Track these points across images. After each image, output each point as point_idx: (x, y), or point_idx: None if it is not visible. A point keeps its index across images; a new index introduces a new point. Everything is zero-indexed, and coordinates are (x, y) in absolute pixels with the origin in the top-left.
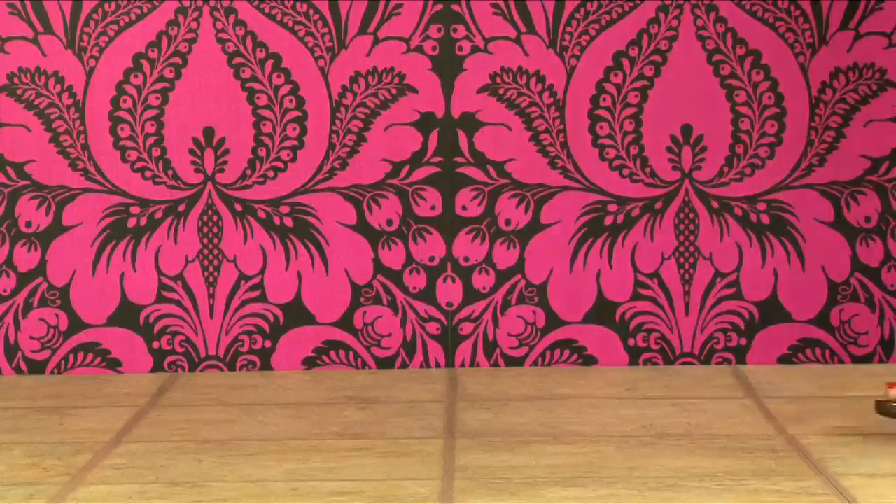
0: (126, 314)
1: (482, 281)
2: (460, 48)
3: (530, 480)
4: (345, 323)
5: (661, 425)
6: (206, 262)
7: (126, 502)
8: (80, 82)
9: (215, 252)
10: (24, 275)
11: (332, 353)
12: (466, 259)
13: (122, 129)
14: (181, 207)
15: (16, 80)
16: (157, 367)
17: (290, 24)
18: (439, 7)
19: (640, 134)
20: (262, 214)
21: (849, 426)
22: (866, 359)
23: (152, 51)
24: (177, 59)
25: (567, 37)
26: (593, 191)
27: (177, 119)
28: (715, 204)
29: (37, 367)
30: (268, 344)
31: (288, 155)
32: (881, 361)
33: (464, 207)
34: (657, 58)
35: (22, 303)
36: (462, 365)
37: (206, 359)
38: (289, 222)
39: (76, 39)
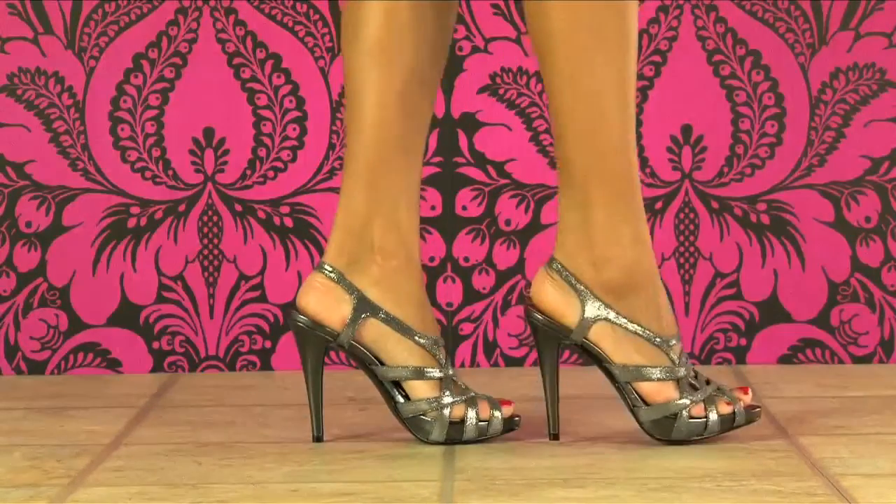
0: (126, 314)
1: (482, 281)
2: (460, 48)
3: (530, 481)
4: None
5: None
6: (206, 263)
7: (126, 503)
8: (80, 82)
9: (215, 252)
10: (24, 275)
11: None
12: (466, 259)
13: (122, 129)
14: (181, 208)
15: (16, 80)
16: (157, 368)
17: (290, 24)
18: None
19: (640, 134)
20: (262, 214)
21: (849, 426)
22: (866, 359)
23: (152, 51)
24: (177, 60)
25: None
26: None
27: (177, 119)
28: (715, 204)
29: (37, 368)
30: (268, 344)
31: (288, 155)
32: (881, 361)
33: (464, 207)
34: (657, 58)
35: (22, 303)
36: (462, 365)
37: (206, 359)
38: (289, 222)
39: (76, 39)
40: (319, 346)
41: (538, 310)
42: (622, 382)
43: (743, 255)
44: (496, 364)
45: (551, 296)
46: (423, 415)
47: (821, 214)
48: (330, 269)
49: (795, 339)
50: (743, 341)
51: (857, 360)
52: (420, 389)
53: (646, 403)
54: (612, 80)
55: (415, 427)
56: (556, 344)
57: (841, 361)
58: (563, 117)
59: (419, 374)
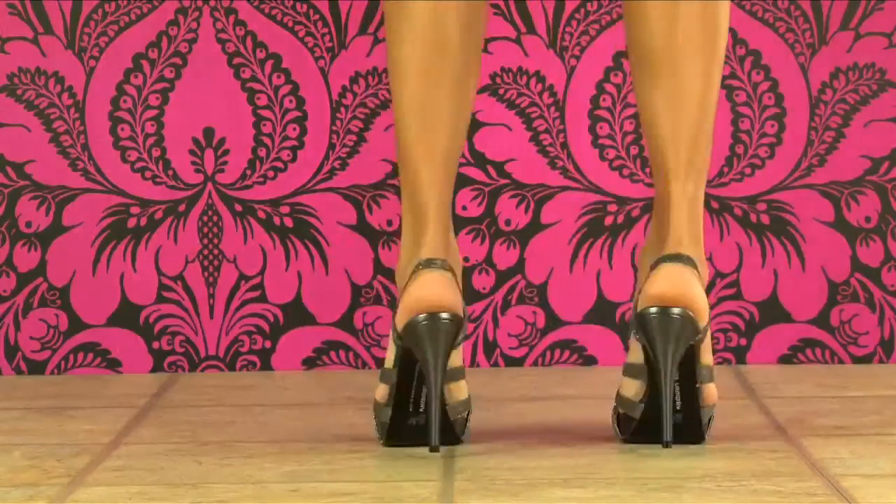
0: (126, 314)
1: (482, 281)
2: None
3: (531, 481)
4: (345, 323)
5: None
6: (206, 263)
7: (126, 503)
8: (80, 82)
9: (215, 252)
10: (24, 275)
11: (332, 354)
12: (466, 259)
13: (122, 129)
14: (181, 207)
15: (16, 80)
16: (157, 368)
17: (290, 24)
18: None
19: (640, 134)
20: (261, 214)
21: (849, 426)
22: (866, 359)
23: (152, 51)
24: (177, 60)
25: (567, 37)
26: (593, 191)
27: (177, 119)
28: (715, 204)
29: (37, 368)
30: (268, 344)
31: (288, 155)
32: (881, 361)
33: (464, 207)
34: None
35: (22, 303)
36: None
37: (206, 359)
38: (289, 222)
39: (76, 39)
40: (452, 344)
41: (690, 308)
42: (700, 385)
43: (743, 255)
44: (496, 364)
45: (700, 293)
46: (465, 414)
47: (821, 214)
48: (447, 267)
49: (795, 339)
50: (743, 341)
51: (857, 360)
52: (464, 389)
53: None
54: (716, 80)
55: (459, 428)
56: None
57: (841, 361)
58: (679, 117)
59: (463, 373)
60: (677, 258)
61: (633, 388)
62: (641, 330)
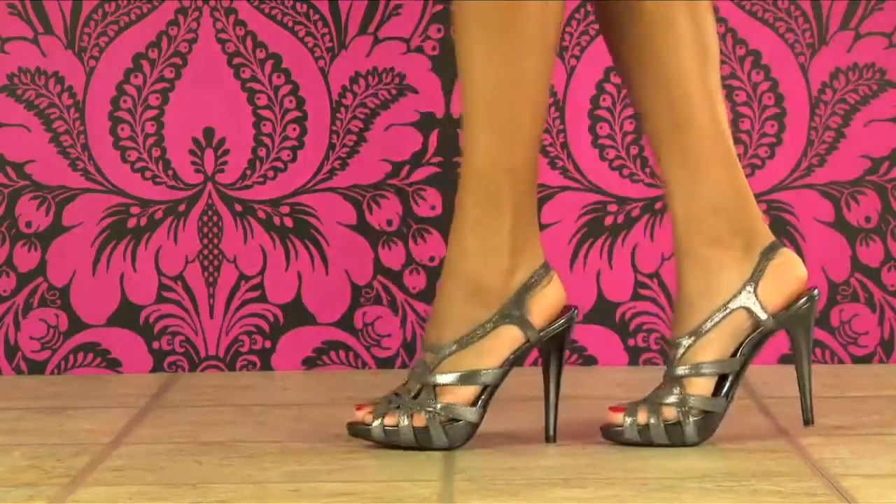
0: (126, 314)
1: None
2: None
3: (530, 481)
4: (345, 323)
5: None
6: (206, 263)
7: (126, 503)
8: (80, 82)
9: (215, 252)
10: (24, 275)
11: (332, 354)
12: None
13: (122, 129)
14: (181, 208)
15: (16, 80)
16: (157, 368)
17: (290, 24)
18: (439, 7)
19: (640, 134)
20: (261, 215)
21: (849, 426)
22: (866, 359)
23: (152, 51)
24: (177, 60)
25: (567, 37)
26: (593, 191)
27: (177, 119)
28: None
29: (37, 368)
30: (268, 344)
31: (288, 155)
32: (881, 361)
33: None
34: None
35: (22, 303)
36: None
37: (206, 359)
38: (289, 222)
39: (76, 39)
40: None
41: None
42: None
43: None
44: None
45: None
46: None
47: (821, 214)
48: None
49: None
50: None
51: (857, 360)
52: None
53: None
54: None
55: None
56: None
57: (841, 361)
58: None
59: None
60: (781, 244)
61: (709, 386)
62: (794, 317)
